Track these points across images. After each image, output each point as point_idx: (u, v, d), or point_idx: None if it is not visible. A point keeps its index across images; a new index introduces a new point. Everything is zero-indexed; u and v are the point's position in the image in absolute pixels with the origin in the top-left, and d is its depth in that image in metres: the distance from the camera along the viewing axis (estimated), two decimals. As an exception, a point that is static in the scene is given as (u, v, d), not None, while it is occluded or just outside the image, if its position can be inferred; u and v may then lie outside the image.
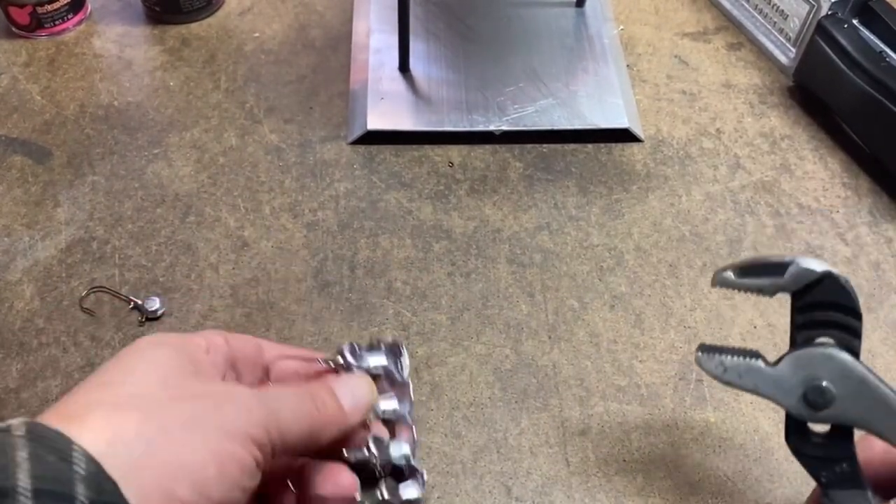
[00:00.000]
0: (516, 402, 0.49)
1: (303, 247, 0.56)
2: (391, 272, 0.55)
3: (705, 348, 0.38)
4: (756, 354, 0.37)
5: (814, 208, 0.60)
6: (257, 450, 0.32)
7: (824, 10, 0.63)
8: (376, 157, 0.62)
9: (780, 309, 0.53)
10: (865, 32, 0.62)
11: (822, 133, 0.65)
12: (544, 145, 0.63)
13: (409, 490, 0.43)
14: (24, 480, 0.26)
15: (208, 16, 0.71)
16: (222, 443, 0.31)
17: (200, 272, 0.55)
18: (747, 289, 0.38)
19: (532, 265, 0.56)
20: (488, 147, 0.62)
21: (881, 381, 0.36)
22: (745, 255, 0.57)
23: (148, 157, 0.61)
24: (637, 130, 0.63)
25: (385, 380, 0.46)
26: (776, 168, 0.62)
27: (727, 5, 0.73)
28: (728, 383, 0.38)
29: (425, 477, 0.43)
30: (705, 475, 0.47)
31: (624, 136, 0.63)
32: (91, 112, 0.64)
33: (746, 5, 0.71)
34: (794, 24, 0.66)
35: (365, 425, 0.42)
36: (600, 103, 0.64)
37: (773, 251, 0.57)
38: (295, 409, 0.35)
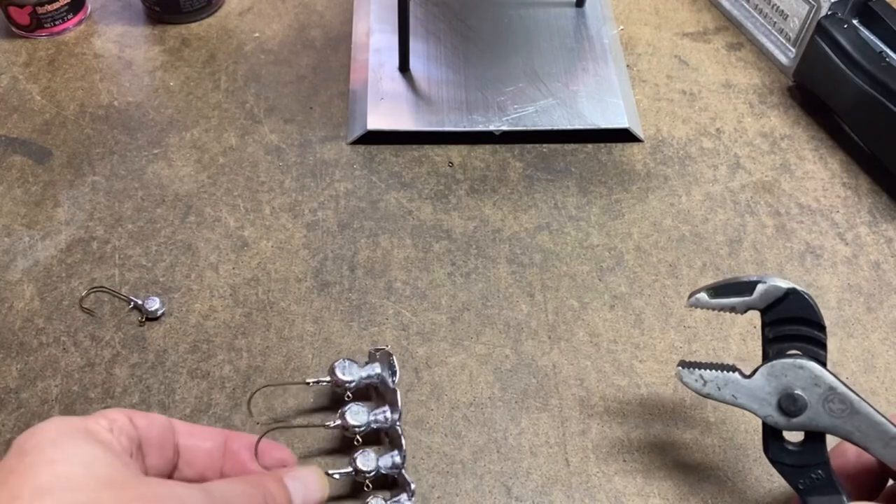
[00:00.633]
0: (516, 402, 0.49)
1: (303, 247, 0.56)
2: (391, 272, 0.55)
3: (685, 364, 0.41)
4: (733, 368, 0.41)
5: (814, 208, 0.60)
6: None
7: (824, 10, 0.63)
8: (376, 157, 0.62)
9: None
10: (865, 32, 0.62)
11: (822, 133, 0.65)
12: (544, 145, 0.63)
13: (399, 500, 0.44)
14: None
15: (208, 16, 0.71)
16: None
17: (200, 272, 0.55)
18: (720, 308, 0.41)
19: (532, 265, 0.56)
20: (488, 147, 0.62)
21: (848, 387, 0.39)
22: (746, 255, 0.57)
23: (148, 157, 0.61)
24: (637, 130, 0.63)
25: (379, 386, 0.47)
26: (776, 168, 0.62)
27: (727, 5, 0.73)
28: (708, 395, 0.41)
29: (413, 487, 0.44)
30: (705, 475, 0.47)
31: (624, 136, 0.63)
32: (91, 112, 0.64)
33: (746, 5, 0.71)
34: (793, 25, 0.66)
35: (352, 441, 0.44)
36: (600, 103, 0.64)
37: (772, 251, 0.57)
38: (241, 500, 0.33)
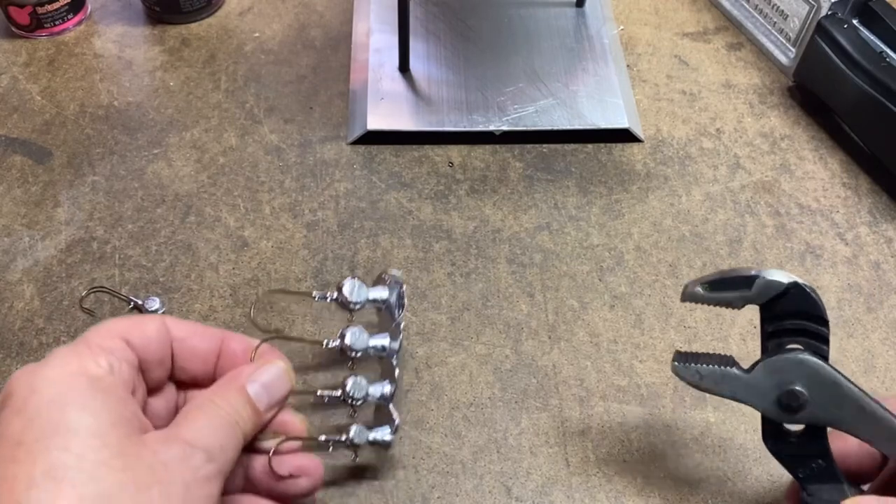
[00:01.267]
0: (516, 402, 0.49)
1: (303, 247, 0.56)
2: (391, 272, 0.55)
3: (681, 357, 0.40)
4: (731, 361, 0.39)
5: (814, 208, 0.60)
6: (217, 485, 0.32)
7: (824, 11, 0.63)
8: (376, 157, 0.62)
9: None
10: (865, 32, 0.62)
11: (822, 133, 0.65)
12: (544, 145, 0.63)
13: (380, 432, 0.43)
14: None
15: (208, 16, 0.71)
16: (187, 494, 0.31)
17: (200, 272, 0.55)
18: (716, 303, 0.39)
19: (532, 265, 0.56)
20: (488, 147, 0.62)
21: (851, 382, 0.38)
22: (746, 255, 0.57)
23: (148, 158, 0.61)
24: (637, 130, 0.63)
25: (384, 314, 0.45)
26: (776, 168, 0.62)
27: (727, 5, 0.73)
28: (707, 390, 0.40)
29: (398, 422, 0.43)
30: (706, 475, 0.47)
31: (624, 136, 0.63)
32: (91, 112, 0.64)
33: (746, 5, 0.71)
34: (794, 25, 0.66)
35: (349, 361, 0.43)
36: (600, 103, 0.64)
37: (772, 251, 0.57)
38: (221, 437, 0.34)
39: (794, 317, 0.38)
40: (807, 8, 0.65)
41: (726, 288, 0.39)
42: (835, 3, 0.62)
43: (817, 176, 0.62)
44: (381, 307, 0.45)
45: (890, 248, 0.58)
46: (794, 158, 0.63)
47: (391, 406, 0.43)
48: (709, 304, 0.39)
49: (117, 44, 0.69)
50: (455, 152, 0.62)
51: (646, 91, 0.67)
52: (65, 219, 0.57)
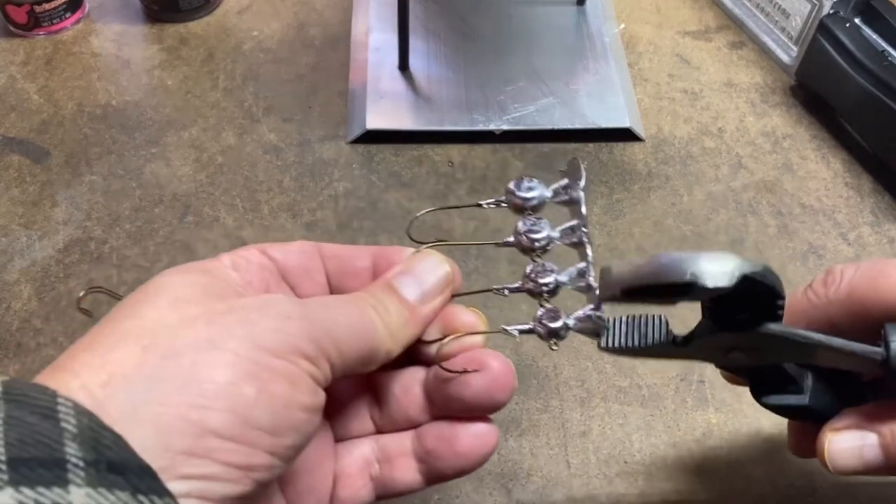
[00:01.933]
0: (516, 402, 0.49)
1: (302, 247, 0.56)
2: (391, 272, 0.55)
3: (609, 348, 0.33)
4: (667, 341, 0.33)
5: (816, 208, 0.59)
6: (309, 363, 0.26)
7: (826, 9, 0.62)
8: (375, 156, 0.61)
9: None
10: (868, 31, 0.61)
11: (825, 132, 0.64)
12: (545, 145, 0.62)
13: (582, 311, 0.34)
14: None
15: (206, 14, 0.71)
16: (258, 357, 0.25)
17: (199, 272, 0.54)
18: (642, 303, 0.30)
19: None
20: (488, 146, 0.62)
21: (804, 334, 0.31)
22: (748, 255, 0.56)
23: (146, 157, 0.61)
24: (638, 130, 0.63)
25: (566, 200, 0.37)
26: (778, 168, 0.62)
27: (729, 4, 0.72)
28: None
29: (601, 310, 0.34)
30: (707, 477, 0.46)
31: (625, 135, 0.63)
32: (89, 111, 0.63)
33: (748, 4, 0.71)
34: (796, 23, 0.66)
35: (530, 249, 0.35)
36: (601, 102, 0.64)
37: (775, 251, 0.56)
38: (349, 321, 0.28)
39: (744, 305, 0.30)
40: (809, 6, 0.64)
41: (651, 296, 0.29)
42: (837, 1, 0.62)
43: (819, 175, 0.61)
44: (564, 197, 0.37)
45: (892, 248, 0.57)
46: (796, 158, 0.63)
47: (590, 274, 0.34)
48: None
49: (115, 42, 0.69)
50: (455, 152, 0.62)
51: (647, 90, 0.67)
52: (62, 218, 0.57)
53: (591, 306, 0.34)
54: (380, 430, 0.34)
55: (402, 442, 0.33)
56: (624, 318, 0.33)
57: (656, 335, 0.33)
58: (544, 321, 0.34)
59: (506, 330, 0.34)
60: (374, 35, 0.68)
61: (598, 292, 0.33)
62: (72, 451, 0.21)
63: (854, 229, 0.58)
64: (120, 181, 0.59)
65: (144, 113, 0.63)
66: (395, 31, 0.63)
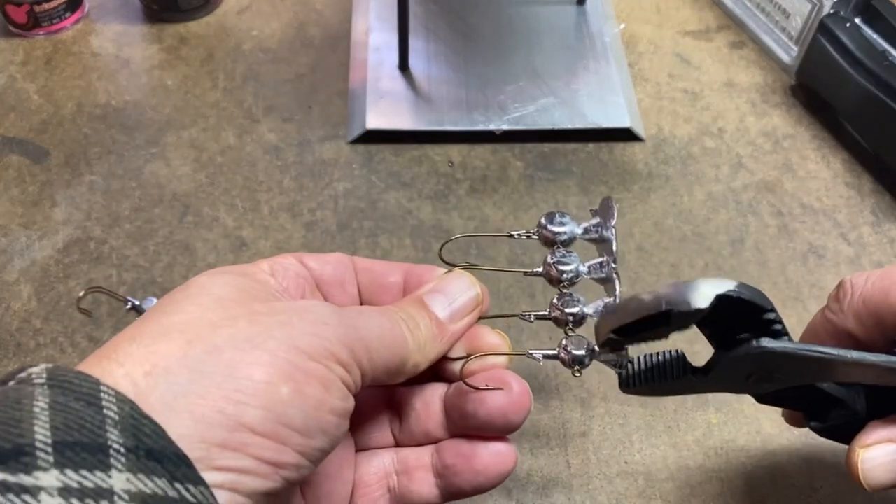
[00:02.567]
0: (517, 403, 0.49)
1: (302, 247, 0.56)
2: (391, 272, 0.54)
3: (628, 386, 0.34)
4: (683, 368, 0.34)
5: (816, 208, 0.59)
6: (342, 369, 0.27)
7: (827, 9, 0.62)
8: (375, 156, 0.61)
9: (784, 310, 0.52)
10: (868, 31, 0.61)
11: (825, 132, 0.64)
12: (545, 144, 0.62)
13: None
14: (42, 434, 0.21)
15: (206, 14, 0.71)
16: (295, 359, 0.26)
17: (198, 272, 0.54)
18: (639, 342, 0.32)
19: (533, 265, 0.55)
20: (489, 146, 0.62)
21: (815, 349, 0.31)
22: (748, 255, 0.56)
23: (146, 157, 0.61)
24: (638, 129, 0.63)
25: (595, 238, 0.39)
26: (778, 167, 0.62)
27: (729, 4, 0.72)
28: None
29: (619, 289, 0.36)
30: (707, 477, 0.46)
31: (625, 135, 0.63)
32: (88, 111, 0.63)
33: (748, 4, 0.71)
34: (796, 23, 0.66)
35: (557, 281, 0.36)
36: (601, 102, 0.63)
37: (775, 251, 0.56)
38: (382, 332, 0.29)
39: (732, 323, 0.31)
40: (809, 6, 0.64)
41: (639, 331, 0.31)
42: (837, 1, 0.62)
43: (820, 175, 0.61)
44: (594, 235, 0.38)
45: (893, 248, 0.57)
46: (796, 158, 0.62)
47: (614, 271, 0.35)
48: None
49: (115, 42, 0.69)
50: (455, 151, 0.62)
51: (647, 90, 0.67)
52: (62, 219, 0.57)
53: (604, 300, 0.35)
54: (398, 444, 0.35)
55: (421, 456, 0.34)
56: (642, 358, 0.34)
57: (675, 369, 0.33)
58: (569, 348, 0.35)
59: (531, 354, 0.35)
60: (374, 35, 0.68)
61: (596, 346, 0.35)
62: (114, 437, 0.22)
63: (854, 229, 0.58)
64: (120, 181, 0.59)
65: (144, 113, 0.63)
66: (395, 31, 0.63)
